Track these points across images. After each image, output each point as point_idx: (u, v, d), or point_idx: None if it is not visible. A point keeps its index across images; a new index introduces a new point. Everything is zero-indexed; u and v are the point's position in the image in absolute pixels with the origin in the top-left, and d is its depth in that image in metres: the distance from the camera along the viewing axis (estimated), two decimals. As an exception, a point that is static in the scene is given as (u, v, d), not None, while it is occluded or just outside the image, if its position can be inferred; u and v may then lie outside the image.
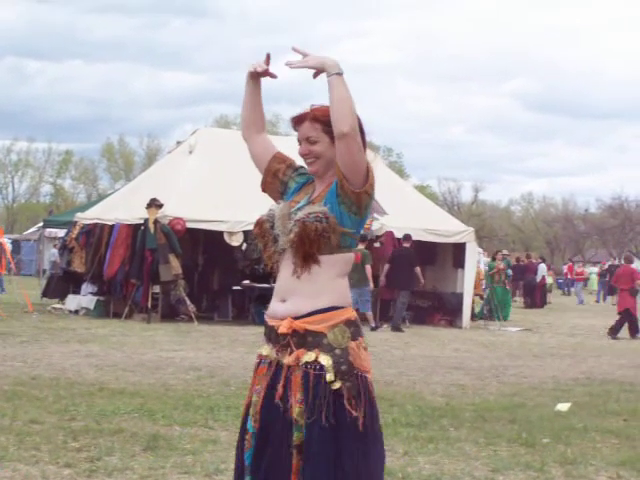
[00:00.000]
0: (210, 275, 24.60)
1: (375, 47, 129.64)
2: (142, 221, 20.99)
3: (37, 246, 42.04)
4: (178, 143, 26.83)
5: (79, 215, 24.84)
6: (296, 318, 4.03)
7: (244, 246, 22.12)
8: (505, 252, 33.18)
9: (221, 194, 21.81)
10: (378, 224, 22.28)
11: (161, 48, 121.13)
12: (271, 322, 4.15)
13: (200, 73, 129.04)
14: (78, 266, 23.35)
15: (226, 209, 21.28)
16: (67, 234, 24.37)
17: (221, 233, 21.54)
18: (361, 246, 21.76)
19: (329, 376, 3.98)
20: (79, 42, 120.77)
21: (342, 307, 4.10)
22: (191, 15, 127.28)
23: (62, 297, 24.51)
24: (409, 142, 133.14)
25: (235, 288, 23.21)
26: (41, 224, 36.67)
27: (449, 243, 24.18)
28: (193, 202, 21.51)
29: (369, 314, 21.62)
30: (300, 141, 4.19)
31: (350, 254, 4.14)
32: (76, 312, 22.49)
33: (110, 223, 22.58)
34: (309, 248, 4.00)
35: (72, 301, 23.24)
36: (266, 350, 4.17)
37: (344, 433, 3.97)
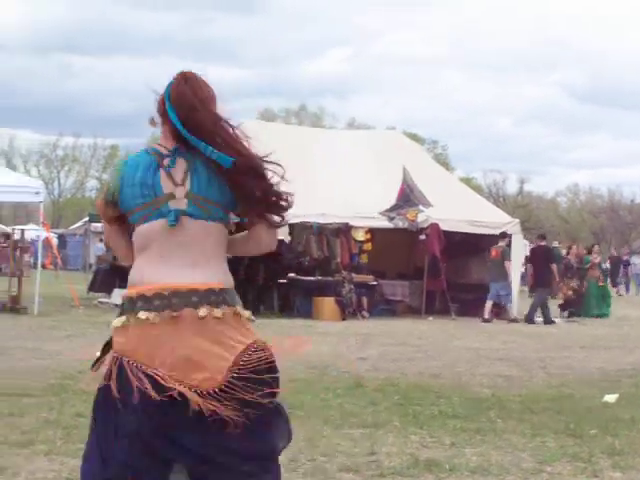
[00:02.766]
0: (256, 269, 24.64)
1: (420, 38, 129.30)
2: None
3: (83, 241, 42.38)
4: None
5: (125, 209, 24.97)
6: None
7: (289, 239, 22.14)
8: (556, 243, 32.91)
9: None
10: (423, 216, 22.24)
11: (207, 43, 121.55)
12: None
13: (245, 68, 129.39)
14: (125, 260, 23.53)
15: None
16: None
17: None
18: (502, 243, 22.44)
19: None
20: (126, 38, 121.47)
21: None
22: (238, 10, 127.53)
23: (108, 291, 24.69)
24: (454, 134, 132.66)
25: (281, 281, 23.26)
26: (87, 219, 36.95)
27: (495, 235, 24.02)
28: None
29: (509, 306, 23.14)
30: None
31: None
32: (122, 306, 22.62)
33: (156, 216, 22.65)
34: None
35: (118, 295, 23.36)
36: None
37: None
